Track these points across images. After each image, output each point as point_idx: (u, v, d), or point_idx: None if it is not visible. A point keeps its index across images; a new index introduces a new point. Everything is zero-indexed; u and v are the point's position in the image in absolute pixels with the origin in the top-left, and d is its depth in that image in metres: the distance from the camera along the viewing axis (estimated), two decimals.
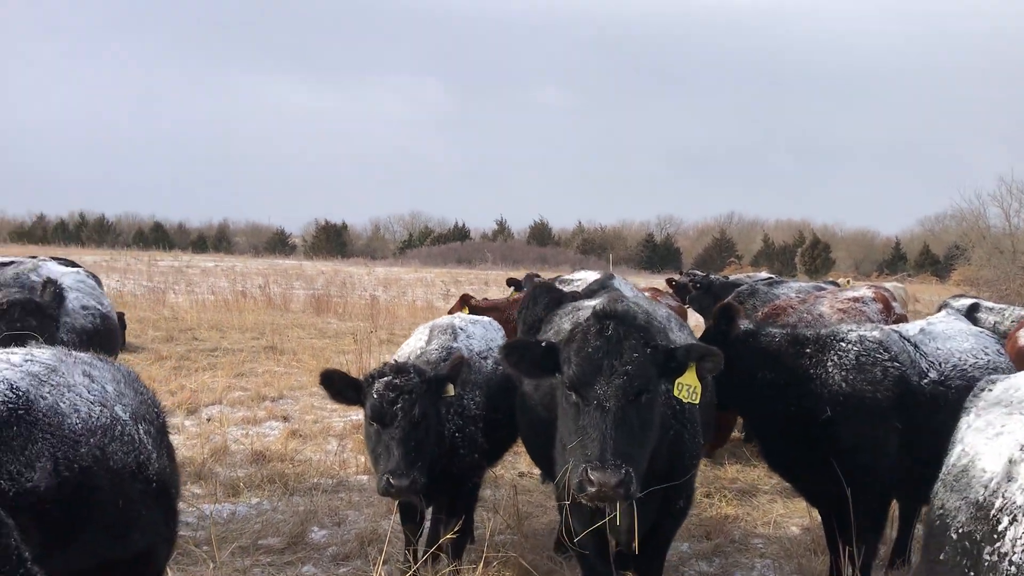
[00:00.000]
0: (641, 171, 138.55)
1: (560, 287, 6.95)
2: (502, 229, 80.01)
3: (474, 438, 5.20)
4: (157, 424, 4.02)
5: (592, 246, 72.00)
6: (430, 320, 6.40)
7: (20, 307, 5.36)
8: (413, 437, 4.51)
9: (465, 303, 9.90)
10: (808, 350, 5.29)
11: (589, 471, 3.60)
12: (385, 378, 4.64)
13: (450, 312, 9.40)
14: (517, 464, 8.49)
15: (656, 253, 70.64)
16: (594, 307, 4.21)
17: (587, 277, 9.15)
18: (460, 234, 77.61)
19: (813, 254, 64.29)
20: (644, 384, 3.85)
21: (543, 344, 4.20)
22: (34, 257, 15.81)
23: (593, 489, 3.59)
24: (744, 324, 5.58)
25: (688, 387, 4.07)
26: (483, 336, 5.94)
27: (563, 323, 5.21)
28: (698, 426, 4.56)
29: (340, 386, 4.75)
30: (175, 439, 8.85)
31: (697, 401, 4.16)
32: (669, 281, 13.93)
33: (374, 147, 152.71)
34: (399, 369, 4.71)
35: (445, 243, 73.53)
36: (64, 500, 3.27)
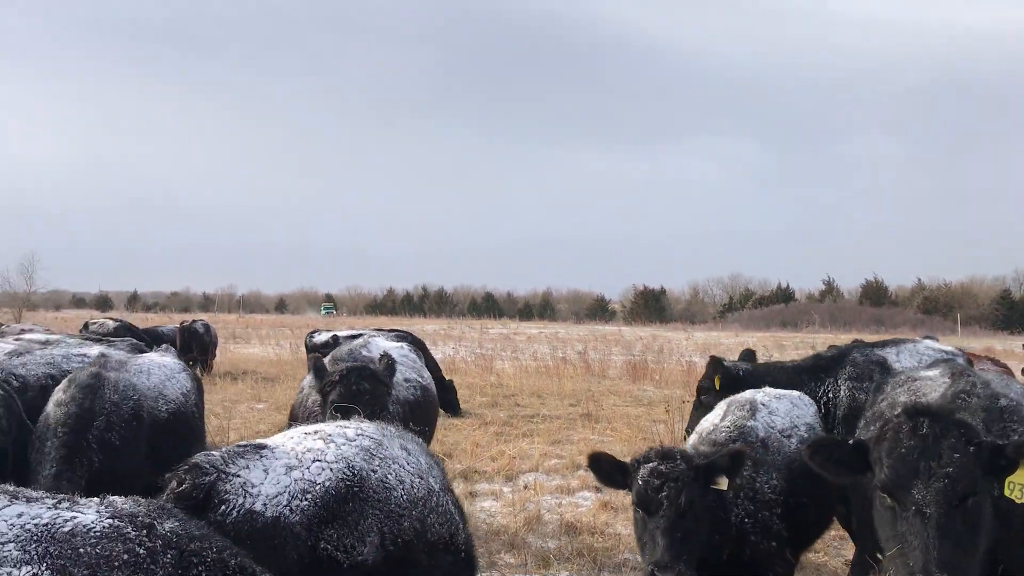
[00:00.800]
0: (990, 221, 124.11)
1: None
2: (830, 289, 75.53)
3: (768, 525, 4.75)
4: (453, 494, 4.13)
5: (935, 305, 65.46)
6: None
7: (357, 373, 5.87)
8: (679, 527, 4.17)
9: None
10: None
11: None
12: (650, 464, 4.36)
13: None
14: (843, 551, 7.66)
15: (1014, 311, 62.40)
16: (905, 405, 3.92)
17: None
18: (783, 296, 74.51)
19: None
20: (969, 487, 3.51)
21: (851, 442, 3.96)
22: (379, 330, 17.62)
23: None
24: None
25: (1020, 486, 3.65)
26: (788, 412, 5.48)
27: (898, 395, 4.83)
28: None
29: (608, 469, 4.54)
30: (494, 505, 9.26)
31: None
32: None
33: (689, 210, 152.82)
34: (665, 455, 4.40)
35: (767, 305, 71.01)
36: (387, 573, 3.43)
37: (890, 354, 7.44)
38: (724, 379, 7.66)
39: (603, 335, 43.29)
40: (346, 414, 5.52)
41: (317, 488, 3.39)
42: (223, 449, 3.62)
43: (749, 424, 5.19)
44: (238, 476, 3.38)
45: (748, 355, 8.56)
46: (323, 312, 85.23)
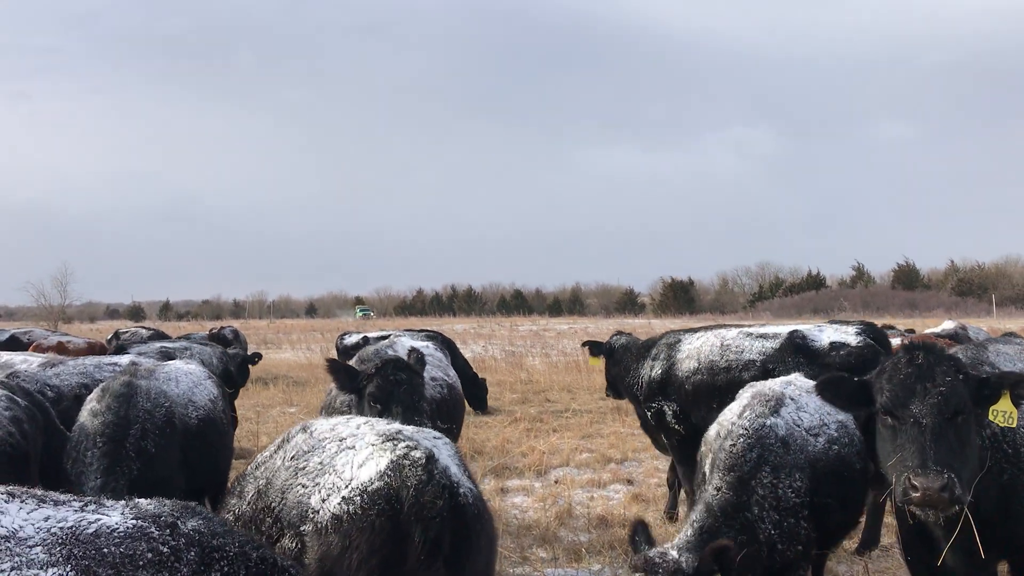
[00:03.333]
0: (1021, 199, 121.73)
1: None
2: (861, 274, 74.73)
3: (795, 531, 4.59)
4: None
5: (970, 287, 64.56)
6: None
7: (393, 364, 5.93)
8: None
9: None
10: None
11: (912, 478, 3.73)
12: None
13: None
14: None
15: None
16: (903, 340, 4.31)
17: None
18: (815, 282, 73.78)
19: None
20: (959, 405, 3.92)
21: (856, 379, 4.32)
22: (410, 330, 17.70)
23: (917, 495, 3.70)
24: None
25: (1004, 412, 4.10)
26: (819, 408, 5.07)
27: None
28: None
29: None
30: (525, 500, 9.28)
31: (1014, 424, 4.11)
32: None
33: (714, 200, 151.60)
34: None
35: (798, 293, 70.34)
36: None
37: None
38: (600, 352, 9.81)
39: (633, 328, 43.06)
40: (385, 404, 5.58)
41: None
42: None
43: (769, 423, 4.87)
44: None
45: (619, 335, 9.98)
46: (359, 314, 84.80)
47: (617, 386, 9.69)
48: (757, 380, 6.98)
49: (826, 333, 7.82)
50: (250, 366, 12.95)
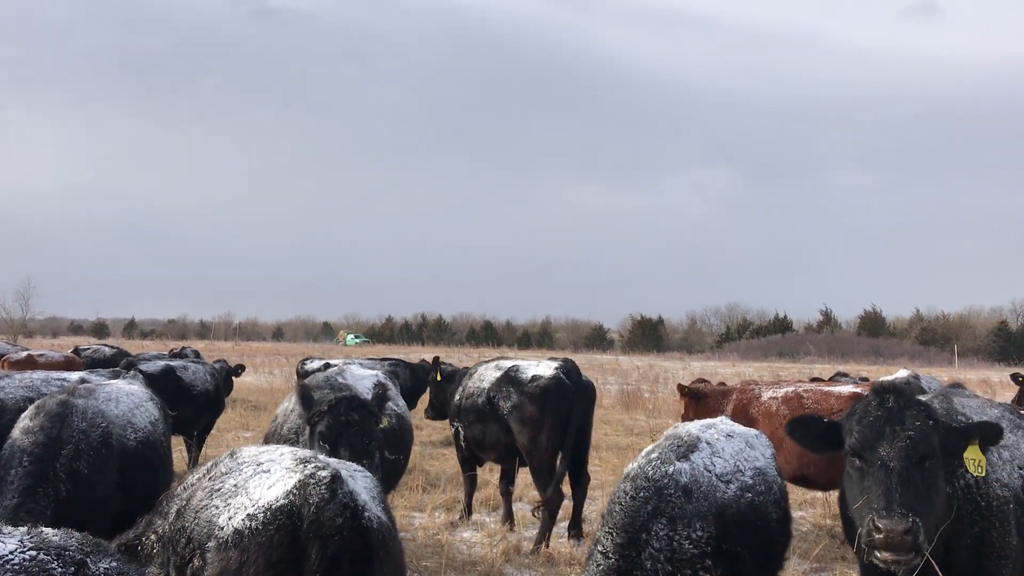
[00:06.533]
0: (987, 253, 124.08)
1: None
2: (828, 319, 75.47)
3: None
4: None
5: (933, 336, 65.38)
6: None
7: (347, 403, 5.78)
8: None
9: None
10: None
11: (876, 519, 3.74)
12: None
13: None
14: None
15: (1011, 343, 62.30)
16: (872, 382, 4.41)
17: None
18: (781, 326, 74.37)
19: None
20: (928, 450, 3.96)
21: (825, 420, 4.40)
22: (385, 359, 17.56)
23: (880, 536, 3.71)
24: None
25: (973, 460, 4.13)
26: (737, 455, 4.88)
27: None
28: (1010, 526, 4.28)
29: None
30: (474, 535, 9.18)
31: (983, 473, 4.16)
32: (1015, 377, 12.03)
33: (682, 240, 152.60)
34: None
35: (765, 336, 70.81)
36: None
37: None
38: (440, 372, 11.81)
39: (600, 364, 43.10)
40: (334, 445, 5.46)
41: None
42: None
43: (672, 470, 4.62)
44: None
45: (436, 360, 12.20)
46: (353, 341, 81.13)
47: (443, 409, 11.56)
48: (487, 403, 9.09)
49: (536, 367, 9.09)
50: (234, 378, 14.09)
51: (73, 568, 2.33)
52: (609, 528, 4.51)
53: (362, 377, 7.07)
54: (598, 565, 4.39)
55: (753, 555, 4.58)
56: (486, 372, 9.48)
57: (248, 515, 3.51)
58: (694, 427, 5.23)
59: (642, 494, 4.52)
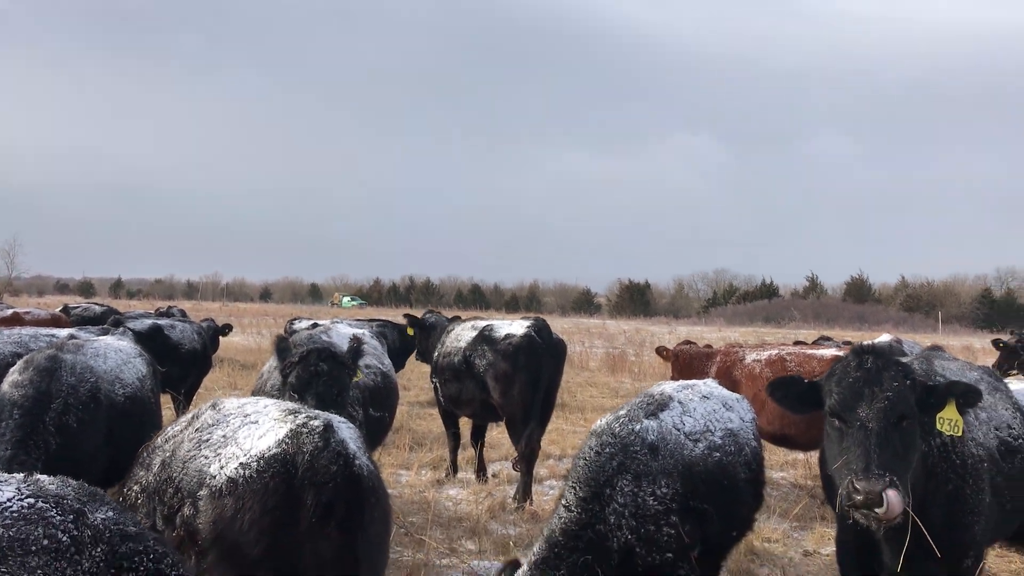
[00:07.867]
0: (973, 221, 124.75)
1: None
2: (814, 286, 75.78)
3: (654, 537, 4.35)
4: None
5: (918, 303, 65.83)
6: None
7: (316, 354, 5.85)
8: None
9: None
10: None
11: (854, 481, 3.81)
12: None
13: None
14: (803, 542, 7.74)
15: (995, 310, 62.85)
16: (854, 344, 4.41)
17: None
18: (768, 291, 74.68)
19: None
20: (905, 410, 4.01)
21: (806, 381, 4.43)
22: (371, 320, 17.62)
23: (860, 497, 3.77)
24: None
25: (950, 420, 4.19)
26: (709, 415, 4.95)
27: None
28: (984, 484, 4.41)
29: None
30: (460, 493, 9.31)
31: (959, 433, 4.22)
32: (996, 343, 12.20)
33: (670, 206, 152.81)
34: None
35: (751, 301, 71.13)
36: None
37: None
38: (415, 325, 14.25)
39: (587, 328, 43.34)
40: (301, 394, 5.54)
41: None
42: None
43: (639, 428, 4.66)
44: None
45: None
46: (349, 303, 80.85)
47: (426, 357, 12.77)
48: (464, 362, 9.34)
49: (509, 327, 9.33)
50: (221, 338, 14.65)
51: (72, 516, 2.30)
52: (573, 483, 4.56)
53: (347, 336, 7.13)
54: (560, 518, 4.44)
55: (720, 514, 4.64)
56: (462, 332, 9.82)
57: (241, 464, 3.57)
58: (669, 387, 5.31)
59: (607, 450, 4.57)
